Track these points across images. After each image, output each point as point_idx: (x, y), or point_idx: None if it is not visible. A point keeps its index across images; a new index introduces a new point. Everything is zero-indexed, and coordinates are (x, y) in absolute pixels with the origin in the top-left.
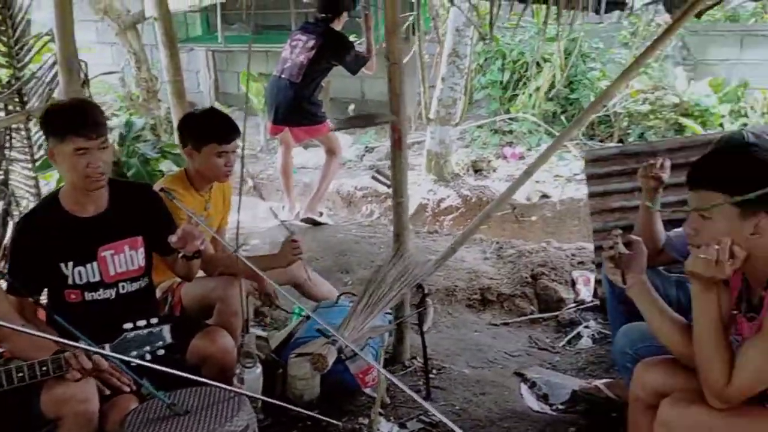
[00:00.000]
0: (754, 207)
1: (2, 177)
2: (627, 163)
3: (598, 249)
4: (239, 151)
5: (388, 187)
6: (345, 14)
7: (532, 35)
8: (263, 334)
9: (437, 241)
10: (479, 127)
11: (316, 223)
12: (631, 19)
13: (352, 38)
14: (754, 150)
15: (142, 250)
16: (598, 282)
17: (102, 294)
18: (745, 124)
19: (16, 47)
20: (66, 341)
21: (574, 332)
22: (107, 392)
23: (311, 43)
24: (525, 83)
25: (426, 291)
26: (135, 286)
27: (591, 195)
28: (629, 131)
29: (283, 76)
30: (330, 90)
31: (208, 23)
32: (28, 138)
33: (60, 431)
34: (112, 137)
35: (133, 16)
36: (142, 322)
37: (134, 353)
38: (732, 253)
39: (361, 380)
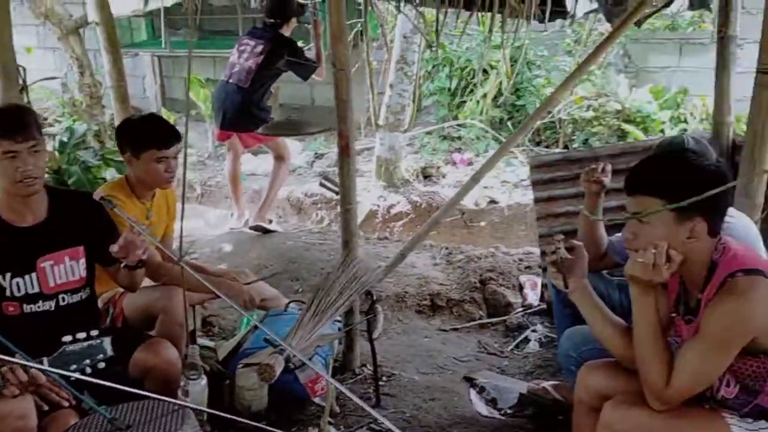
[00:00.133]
0: (690, 212)
1: None
2: (571, 169)
3: (544, 254)
4: (181, 157)
5: (336, 194)
6: (293, 20)
7: (478, 42)
8: (211, 344)
9: (387, 248)
10: (428, 133)
11: (265, 231)
12: (574, 28)
13: (300, 44)
14: (690, 156)
15: (83, 260)
16: (544, 286)
17: (41, 306)
18: (685, 130)
19: None
20: (1, 356)
21: (522, 336)
22: (46, 408)
23: (260, 48)
24: (472, 90)
25: (375, 298)
26: (76, 297)
27: (536, 200)
28: (574, 137)
29: (231, 81)
30: (279, 96)
31: (153, 28)
32: None
33: None
34: (53, 144)
35: (76, 21)
36: (81, 335)
37: (74, 367)
38: (669, 257)
39: (310, 389)
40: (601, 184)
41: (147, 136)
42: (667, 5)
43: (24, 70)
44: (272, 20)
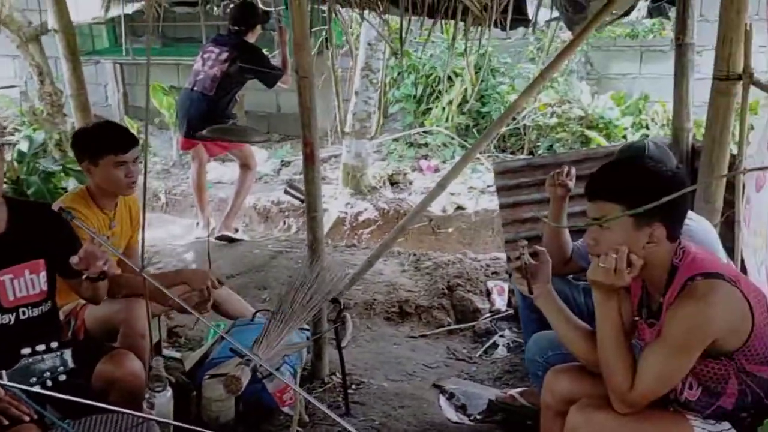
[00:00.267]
0: (649, 217)
1: None
2: (535, 175)
3: (510, 259)
4: (143, 164)
5: (302, 201)
6: (258, 27)
7: (442, 50)
8: (177, 355)
9: (355, 255)
10: (395, 140)
11: (231, 240)
12: (536, 35)
13: (265, 52)
14: (648, 162)
15: (43, 273)
16: (511, 291)
17: (1, 320)
18: (647, 136)
19: None
20: None
21: (490, 342)
22: (5, 423)
23: (224, 55)
24: (438, 97)
25: (343, 305)
26: (36, 311)
27: (502, 206)
28: (539, 143)
29: (195, 88)
30: (245, 103)
31: (115, 35)
32: None
33: None
34: (11, 154)
35: (35, 28)
36: (41, 347)
37: (34, 380)
38: (630, 262)
39: (278, 399)
40: (566, 188)
41: (104, 142)
42: (626, 14)
43: None
44: (237, 27)
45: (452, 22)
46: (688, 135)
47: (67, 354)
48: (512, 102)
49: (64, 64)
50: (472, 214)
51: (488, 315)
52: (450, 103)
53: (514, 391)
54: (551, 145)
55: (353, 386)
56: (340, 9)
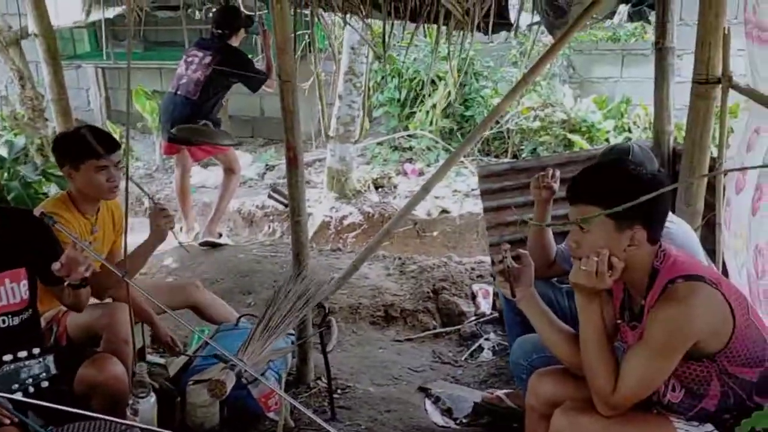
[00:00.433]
0: (629, 220)
1: None
2: (518, 178)
3: (494, 262)
4: (124, 168)
5: (286, 206)
6: (242, 31)
7: (426, 54)
8: (161, 360)
9: (340, 259)
10: (379, 144)
11: (215, 245)
12: (519, 39)
13: (249, 56)
14: (629, 165)
15: (24, 282)
16: (496, 295)
17: None
18: (629, 139)
19: None
20: None
21: (476, 345)
22: None
23: (208, 59)
24: (422, 101)
25: (328, 310)
26: (17, 319)
27: (486, 210)
28: (522, 147)
29: (179, 92)
30: (228, 107)
31: (97, 39)
32: None
33: None
34: None
35: (15, 33)
36: (23, 353)
37: (16, 386)
38: (611, 264)
39: (264, 404)
40: (551, 190)
41: (84, 146)
42: (607, 17)
43: None
44: (220, 31)
45: (435, 26)
46: (669, 138)
47: (50, 360)
48: (495, 106)
49: (44, 69)
50: (456, 217)
51: (473, 318)
52: (434, 106)
53: (500, 392)
54: (535, 149)
55: (339, 391)
56: (323, 13)
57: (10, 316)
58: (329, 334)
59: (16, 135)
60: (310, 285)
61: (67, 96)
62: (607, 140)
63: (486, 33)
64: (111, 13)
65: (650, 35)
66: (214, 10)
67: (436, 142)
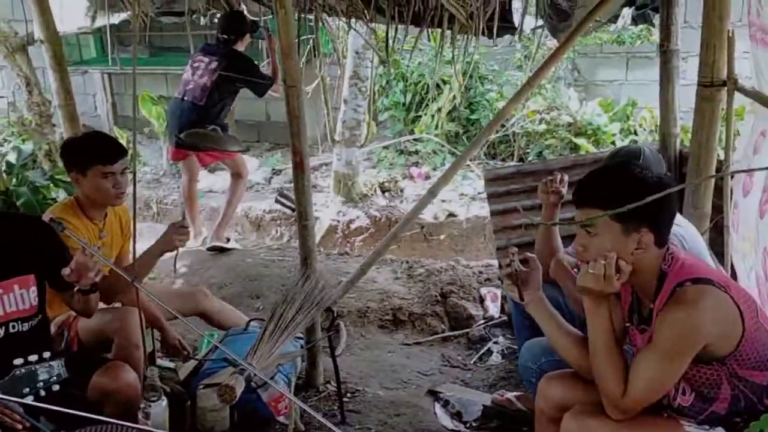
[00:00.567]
0: (636, 223)
1: None
2: (525, 182)
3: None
4: (131, 174)
5: (293, 210)
6: (247, 36)
7: (430, 57)
8: (171, 365)
9: (348, 263)
10: (385, 148)
11: (222, 250)
12: (524, 43)
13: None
14: (634, 168)
15: (34, 288)
16: (504, 298)
17: None
18: (635, 142)
19: None
20: None
21: (485, 348)
22: None
23: (214, 64)
24: (427, 104)
25: (336, 313)
26: (27, 325)
27: (492, 213)
28: (528, 150)
29: (185, 98)
30: (235, 112)
31: (103, 45)
32: None
33: None
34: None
35: (22, 39)
36: (33, 357)
37: (27, 390)
38: (618, 268)
39: (273, 408)
40: (559, 195)
41: (91, 152)
42: (611, 21)
43: None
44: (225, 36)
45: (439, 30)
46: (676, 141)
47: (60, 364)
48: (501, 109)
49: (51, 75)
50: (463, 221)
51: (482, 322)
52: (439, 110)
53: (510, 395)
54: (541, 152)
55: (348, 394)
56: (327, 18)
57: (19, 321)
58: (338, 337)
59: (24, 141)
60: (317, 289)
61: (74, 102)
62: (613, 143)
63: (490, 37)
64: (116, 19)
65: (656, 37)
66: (219, 15)
67: (442, 146)
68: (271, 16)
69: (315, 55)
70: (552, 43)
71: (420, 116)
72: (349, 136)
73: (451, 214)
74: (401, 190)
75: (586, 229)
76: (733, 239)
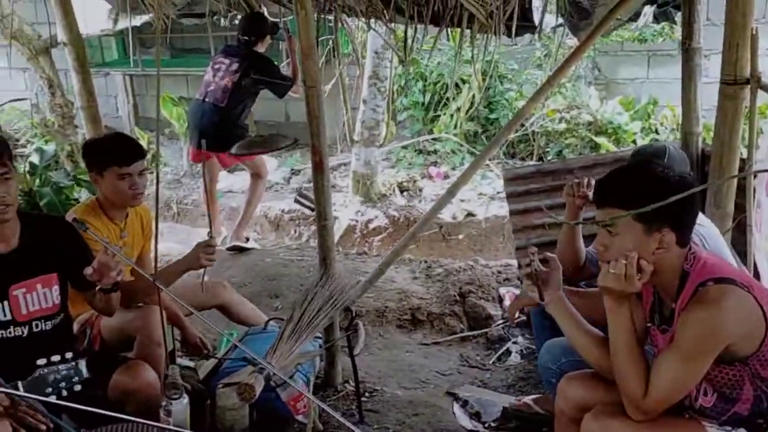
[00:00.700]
0: (658, 223)
1: None
2: (545, 181)
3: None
4: (151, 175)
5: (312, 210)
6: (268, 37)
7: (449, 57)
8: (191, 363)
9: (366, 262)
10: (404, 147)
11: (242, 249)
12: (543, 42)
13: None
14: (656, 167)
15: (56, 287)
16: None
17: (13, 332)
18: (656, 140)
19: None
20: None
21: (504, 349)
22: None
23: (235, 66)
24: (446, 104)
25: (355, 313)
26: (49, 324)
27: (512, 213)
28: (548, 149)
29: (207, 99)
30: (254, 113)
31: (125, 47)
32: None
33: None
34: (23, 166)
35: (45, 41)
36: (56, 357)
37: (49, 390)
38: (640, 268)
39: (292, 407)
40: (586, 198)
41: (108, 153)
42: (632, 19)
43: None
44: (246, 38)
45: (458, 29)
46: (698, 139)
47: (82, 364)
48: (520, 108)
49: (74, 76)
50: (482, 220)
51: (501, 321)
52: (458, 110)
53: (528, 399)
54: (560, 151)
55: (367, 394)
56: (346, 18)
57: (42, 320)
58: (356, 337)
59: (47, 142)
60: (336, 288)
61: (96, 103)
62: (634, 142)
63: (510, 36)
64: (138, 21)
65: (678, 35)
66: (239, 17)
67: (461, 146)
68: (291, 17)
69: (334, 56)
70: (572, 41)
71: (439, 116)
72: (368, 135)
73: (470, 214)
74: (420, 190)
75: (607, 228)
76: (756, 239)
